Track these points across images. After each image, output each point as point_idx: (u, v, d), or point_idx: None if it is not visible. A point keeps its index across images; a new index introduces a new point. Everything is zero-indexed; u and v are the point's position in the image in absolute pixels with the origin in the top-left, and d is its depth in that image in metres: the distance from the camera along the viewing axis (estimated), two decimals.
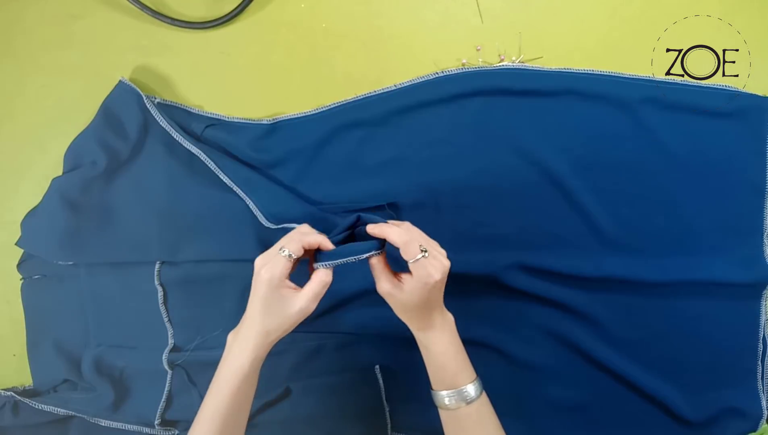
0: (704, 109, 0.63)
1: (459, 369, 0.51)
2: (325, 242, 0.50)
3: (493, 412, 0.52)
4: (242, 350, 0.49)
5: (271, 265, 0.48)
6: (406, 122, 0.64)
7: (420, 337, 0.52)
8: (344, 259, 0.50)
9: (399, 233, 0.48)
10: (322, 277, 0.49)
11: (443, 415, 0.52)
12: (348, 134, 0.64)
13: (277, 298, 0.48)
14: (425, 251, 0.48)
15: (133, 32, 0.67)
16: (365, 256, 0.50)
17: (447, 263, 0.50)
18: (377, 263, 0.50)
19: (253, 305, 0.49)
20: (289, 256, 0.48)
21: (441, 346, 0.51)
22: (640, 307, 0.64)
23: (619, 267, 0.63)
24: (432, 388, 0.52)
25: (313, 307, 0.49)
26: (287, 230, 0.54)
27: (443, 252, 0.51)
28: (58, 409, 0.65)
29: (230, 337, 0.51)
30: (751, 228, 0.64)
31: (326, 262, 0.50)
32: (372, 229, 0.50)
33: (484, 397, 0.52)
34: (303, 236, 0.50)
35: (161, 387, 0.66)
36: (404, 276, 0.50)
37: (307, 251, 0.50)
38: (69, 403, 0.66)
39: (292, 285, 0.49)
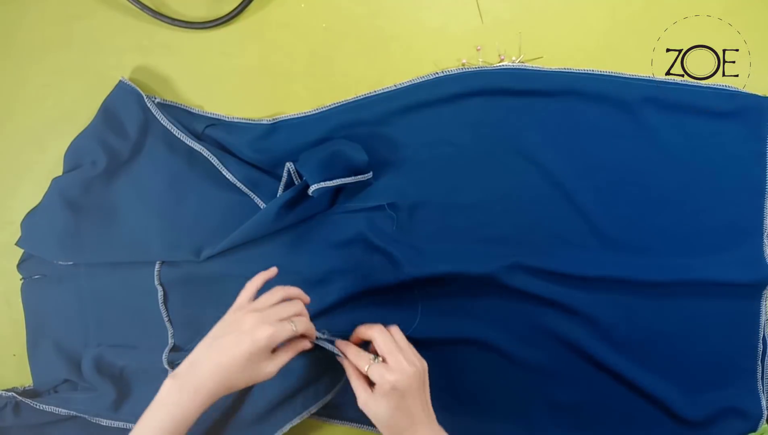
0: (704, 109, 0.63)
1: None
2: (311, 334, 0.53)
3: None
4: (194, 400, 0.46)
5: (275, 332, 0.48)
6: (406, 122, 0.64)
7: None
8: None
9: (351, 353, 0.51)
10: (300, 348, 0.51)
11: None
12: (348, 134, 0.64)
13: (260, 359, 0.48)
14: (376, 357, 0.49)
15: (133, 32, 0.67)
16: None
17: (411, 369, 0.48)
18: (349, 369, 0.52)
19: (229, 358, 0.47)
20: (294, 330, 0.49)
21: None
22: (640, 307, 0.64)
23: (619, 267, 0.63)
24: None
25: (276, 373, 0.50)
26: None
27: (413, 359, 0.50)
28: (59, 409, 0.65)
29: (172, 382, 0.47)
30: (751, 228, 0.64)
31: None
32: (341, 348, 0.54)
33: None
34: (308, 326, 0.52)
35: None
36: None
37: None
38: (70, 403, 0.66)
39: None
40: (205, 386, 0.47)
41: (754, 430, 0.64)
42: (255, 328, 0.47)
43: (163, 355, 0.65)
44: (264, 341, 0.47)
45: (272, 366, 0.49)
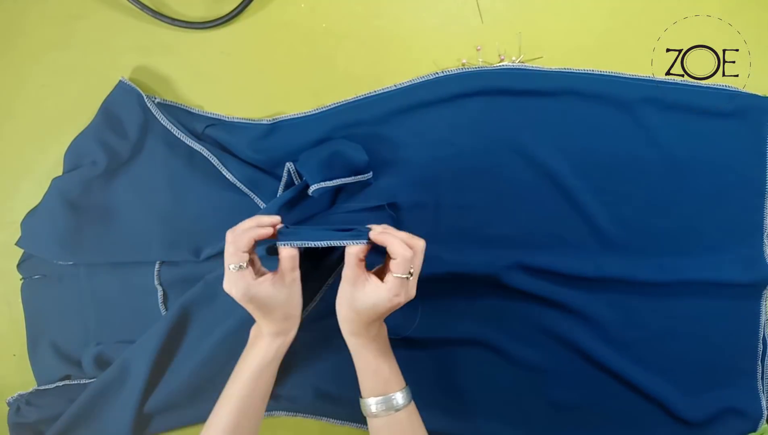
0: (704, 109, 0.63)
1: (389, 376, 0.52)
2: (274, 223, 0.50)
3: (420, 422, 0.52)
4: (268, 345, 0.52)
5: (231, 285, 0.48)
6: (406, 122, 0.64)
7: (352, 342, 0.52)
8: (318, 243, 0.49)
9: (404, 249, 0.47)
10: (285, 254, 0.49)
11: (371, 423, 0.52)
12: (348, 134, 0.64)
13: (259, 304, 0.49)
14: (411, 274, 0.48)
15: (133, 32, 0.67)
16: (351, 242, 0.49)
17: (413, 294, 0.49)
18: (359, 252, 0.49)
19: (253, 315, 0.52)
20: (240, 267, 0.47)
21: (372, 352, 0.51)
22: (640, 307, 0.64)
23: (619, 267, 0.63)
24: (360, 396, 0.52)
25: (296, 282, 0.50)
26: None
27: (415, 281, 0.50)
28: (67, 382, 0.66)
29: (253, 331, 0.55)
30: (751, 228, 0.64)
31: (291, 242, 0.49)
32: (376, 235, 0.49)
33: (413, 406, 0.52)
34: (243, 237, 0.48)
35: None
36: (373, 279, 0.49)
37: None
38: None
39: (269, 277, 0.49)
40: (262, 337, 0.53)
41: (754, 430, 0.64)
42: (227, 289, 0.49)
43: None
44: (236, 295, 0.48)
45: (283, 289, 0.50)
